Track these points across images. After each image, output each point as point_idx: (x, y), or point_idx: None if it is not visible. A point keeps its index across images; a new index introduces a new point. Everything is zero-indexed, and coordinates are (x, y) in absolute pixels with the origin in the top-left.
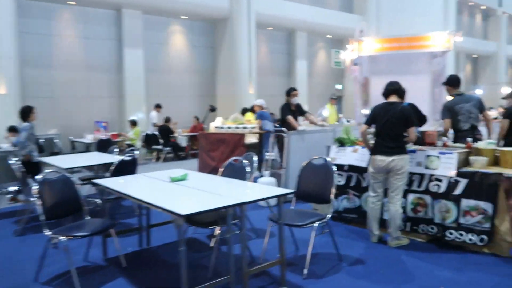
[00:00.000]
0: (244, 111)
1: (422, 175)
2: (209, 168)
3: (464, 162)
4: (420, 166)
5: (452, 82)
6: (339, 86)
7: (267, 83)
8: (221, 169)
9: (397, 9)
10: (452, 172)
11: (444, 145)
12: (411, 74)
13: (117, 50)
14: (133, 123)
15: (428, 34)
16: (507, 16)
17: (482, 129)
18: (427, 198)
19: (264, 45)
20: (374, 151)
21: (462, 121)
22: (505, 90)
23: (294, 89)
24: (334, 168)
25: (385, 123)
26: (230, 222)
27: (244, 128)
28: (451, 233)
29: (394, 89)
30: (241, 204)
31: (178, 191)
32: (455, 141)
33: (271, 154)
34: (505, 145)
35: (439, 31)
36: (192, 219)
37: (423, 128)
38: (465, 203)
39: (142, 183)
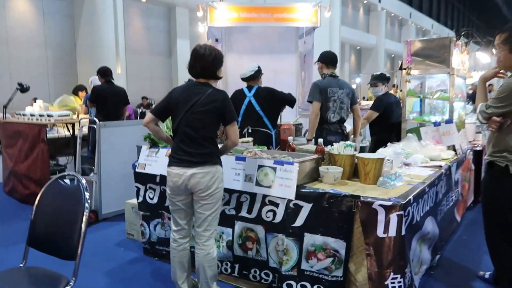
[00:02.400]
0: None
1: (253, 196)
2: (6, 172)
3: (314, 174)
4: (251, 181)
5: (326, 59)
6: None
7: (143, 64)
8: None
9: None
10: (291, 193)
11: (290, 148)
12: (276, 54)
13: None
14: None
15: (293, 5)
16: (386, 12)
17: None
18: (259, 230)
19: (138, 20)
20: (169, 160)
21: (332, 109)
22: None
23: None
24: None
25: (185, 115)
26: None
27: (49, 116)
28: (290, 286)
29: (205, 65)
30: None
31: None
32: (318, 136)
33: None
34: (375, 144)
35: (306, 2)
36: None
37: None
38: (309, 239)
39: None
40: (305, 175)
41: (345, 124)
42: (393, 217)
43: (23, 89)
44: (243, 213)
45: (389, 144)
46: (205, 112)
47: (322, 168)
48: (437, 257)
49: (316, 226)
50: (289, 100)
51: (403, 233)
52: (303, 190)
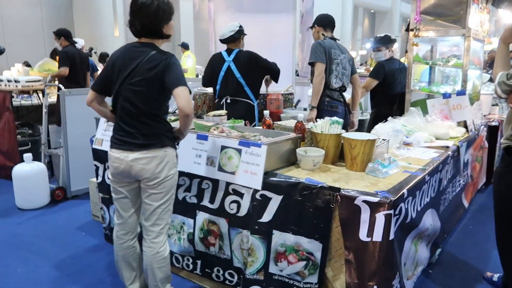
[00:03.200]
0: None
1: (215, 182)
2: None
3: (292, 157)
4: (213, 165)
5: (324, 22)
6: None
7: None
8: None
9: None
10: (257, 182)
11: (266, 124)
12: (271, 13)
13: None
14: None
15: None
16: None
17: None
18: (223, 224)
19: None
20: (110, 141)
21: (335, 74)
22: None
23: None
24: None
25: (121, 86)
26: None
27: (16, 82)
28: None
29: (144, 20)
30: None
31: None
32: (319, 107)
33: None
34: (375, 118)
35: None
36: None
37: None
38: (279, 238)
39: None
40: (279, 158)
41: (344, 94)
42: (380, 217)
43: None
44: (205, 202)
45: (389, 118)
46: (145, 81)
47: (299, 151)
48: (437, 251)
49: (287, 223)
50: (273, 70)
51: (391, 237)
52: (273, 178)
